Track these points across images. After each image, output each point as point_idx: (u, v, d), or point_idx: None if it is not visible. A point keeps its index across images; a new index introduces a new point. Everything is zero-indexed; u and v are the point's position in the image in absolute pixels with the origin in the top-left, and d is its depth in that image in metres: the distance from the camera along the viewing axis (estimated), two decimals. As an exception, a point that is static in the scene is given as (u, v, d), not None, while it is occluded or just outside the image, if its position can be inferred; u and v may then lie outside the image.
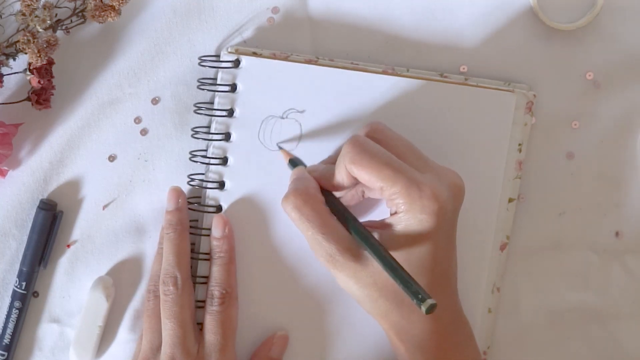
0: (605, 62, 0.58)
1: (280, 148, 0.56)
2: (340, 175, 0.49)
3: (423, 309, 0.43)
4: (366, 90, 0.56)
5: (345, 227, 0.49)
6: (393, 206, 0.48)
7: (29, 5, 0.55)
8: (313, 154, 0.55)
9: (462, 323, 0.51)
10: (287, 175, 0.54)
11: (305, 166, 0.54)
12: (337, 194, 0.51)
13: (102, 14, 0.56)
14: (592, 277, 0.58)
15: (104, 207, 0.59)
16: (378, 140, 0.50)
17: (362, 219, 0.50)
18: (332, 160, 0.53)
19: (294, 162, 0.54)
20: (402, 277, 0.45)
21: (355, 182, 0.50)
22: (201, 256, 0.56)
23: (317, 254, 0.49)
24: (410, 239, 0.47)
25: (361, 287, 0.48)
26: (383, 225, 0.49)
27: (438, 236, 0.48)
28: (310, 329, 0.56)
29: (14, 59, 0.57)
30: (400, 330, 0.49)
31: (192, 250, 0.57)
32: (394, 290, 0.47)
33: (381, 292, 0.48)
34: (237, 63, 0.57)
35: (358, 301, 0.50)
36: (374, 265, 0.48)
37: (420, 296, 0.43)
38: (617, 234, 0.58)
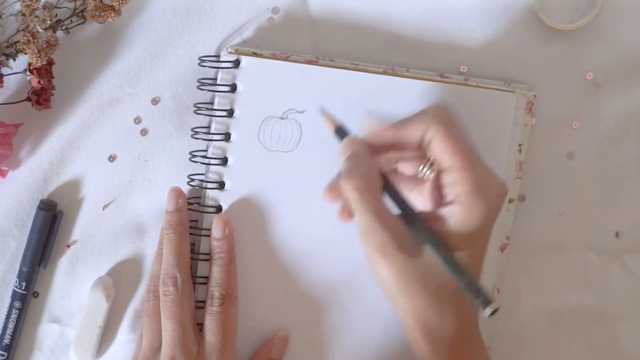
0: (605, 62, 0.58)
1: (324, 112, 0.52)
2: (415, 130, 0.48)
3: (488, 311, 0.43)
4: (366, 91, 0.56)
5: (402, 218, 0.48)
6: (449, 193, 0.47)
7: (29, 5, 0.55)
8: (313, 155, 0.55)
9: (478, 327, 0.50)
10: (287, 175, 0.54)
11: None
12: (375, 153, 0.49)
13: (102, 14, 0.56)
14: (592, 277, 0.58)
15: (104, 207, 0.59)
16: None
17: None
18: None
19: (342, 131, 0.50)
20: (468, 279, 0.44)
21: (416, 147, 0.48)
22: (201, 256, 0.56)
23: (367, 240, 0.47)
24: (457, 239, 0.47)
25: (403, 282, 0.47)
26: (435, 218, 0.48)
27: (481, 238, 0.47)
28: (310, 329, 0.56)
29: (14, 59, 0.57)
30: (429, 330, 0.47)
31: (192, 251, 0.57)
32: (436, 288, 0.46)
33: (423, 289, 0.47)
34: (237, 63, 0.57)
35: (391, 296, 0.48)
36: (424, 261, 0.46)
37: (484, 298, 0.43)
38: (617, 234, 0.58)
